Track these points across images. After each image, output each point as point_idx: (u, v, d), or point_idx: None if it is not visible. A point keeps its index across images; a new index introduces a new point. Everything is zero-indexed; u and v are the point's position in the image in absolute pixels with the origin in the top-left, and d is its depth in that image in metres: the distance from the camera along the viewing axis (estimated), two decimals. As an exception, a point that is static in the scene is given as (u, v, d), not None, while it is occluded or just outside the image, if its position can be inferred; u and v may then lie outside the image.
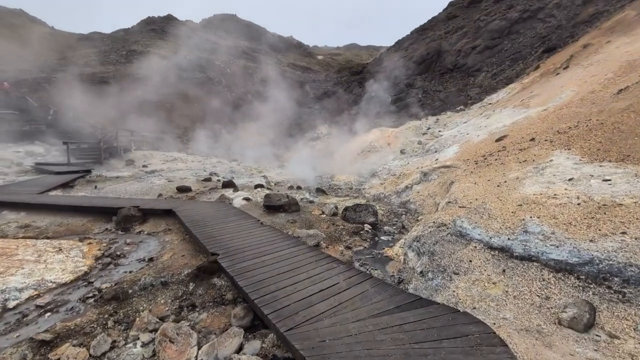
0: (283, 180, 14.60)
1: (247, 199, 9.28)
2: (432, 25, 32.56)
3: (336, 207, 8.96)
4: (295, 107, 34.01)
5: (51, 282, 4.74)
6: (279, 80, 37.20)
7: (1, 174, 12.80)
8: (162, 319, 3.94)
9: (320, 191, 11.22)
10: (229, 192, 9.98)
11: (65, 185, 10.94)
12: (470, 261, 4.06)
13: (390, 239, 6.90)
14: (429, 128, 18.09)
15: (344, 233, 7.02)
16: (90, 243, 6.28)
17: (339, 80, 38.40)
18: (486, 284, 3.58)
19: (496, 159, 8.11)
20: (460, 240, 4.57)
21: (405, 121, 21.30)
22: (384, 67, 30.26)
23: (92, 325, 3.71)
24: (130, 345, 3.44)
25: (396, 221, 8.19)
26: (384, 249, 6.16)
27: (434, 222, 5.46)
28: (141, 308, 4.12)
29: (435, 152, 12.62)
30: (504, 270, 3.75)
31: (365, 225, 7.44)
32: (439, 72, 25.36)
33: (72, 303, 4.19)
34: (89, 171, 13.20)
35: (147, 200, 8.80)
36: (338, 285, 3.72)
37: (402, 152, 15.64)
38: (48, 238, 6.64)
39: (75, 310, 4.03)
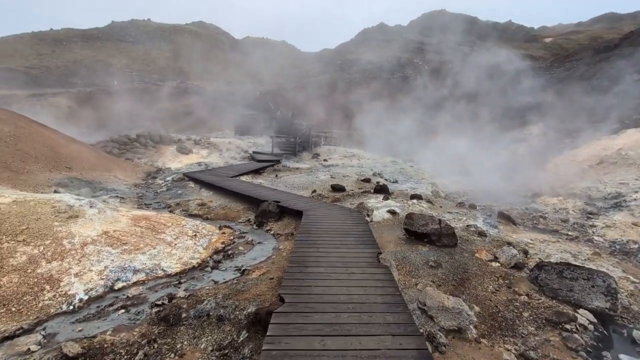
0: (457, 192, 11.10)
1: (392, 212, 7.09)
2: None
3: (525, 254, 5.29)
4: (499, 102, 26.98)
5: (162, 270, 4.65)
6: (481, 73, 30.74)
7: (232, 158, 16.52)
8: (181, 379, 2.74)
9: (505, 218, 7.33)
10: (376, 200, 8.10)
11: (256, 172, 12.53)
12: None
13: (648, 372, 2.95)
14: None
15: (525, 316, 3.67)
16: (223, 233, 6.21)
17: (572, 65, 27.19)
18: None
19: None
20: None
21: None
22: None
23: (121, 350, 3.00)
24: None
25: (671, 324, 3.70)
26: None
27: None
28: (179, 346, 3.10)
29: None
30: None
31: (582, 311, 3.66)
32: None
33: (144, 306, 3.74)
34: (279, 161, 14.86)
35: (292, 197, 8.35)
36: None
37: (697, 171, 8.35)
38: (207, 219, 7.21)
39: (137, 318, 3.52)
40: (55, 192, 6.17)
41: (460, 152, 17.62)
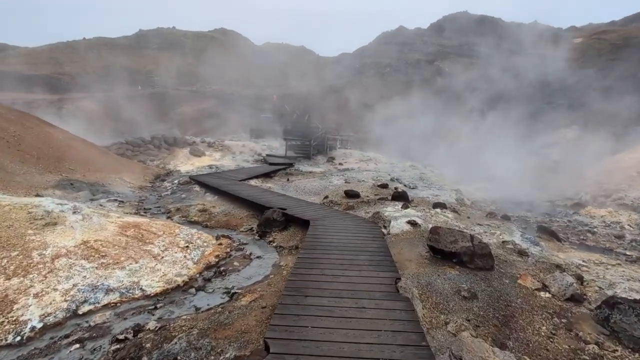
0: (484, 200, 9.91)
1: (412, 224, 6.11)
2: None
3: (580, 282, 4.20)
4: (528, 104, 25.13)
5: (140, 289, 3.93)
6: (506, 74, 29.00)
7: (245, 161, 15.95)
8: None
9: (546, 233, 6.17)
10: (394, 209, 7.12)
11: (267, 176, 11.81)
12: None
13: None
14: None
15: (602, 379, 2.63)
16: (220, 244, 5.46)
17: (607, 65, 25.00)
18: None
19: None
20: None
21: None
22: None
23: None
24: None
25: None
26: None
27: None
28: (130, 405, 2.32)
29: None
30: None
31: (686, 379, 2.58)
32: None
33: (104, 340, 3.00)
34: (291, 165, 14.10)
35: (301, 203, 7.53)
36: None
37: None
38: (207, 227, 6.50)
39: (90, 358, 2.78)
40: (36, 195, 5.67)
41: (486, 157, 16.22)
